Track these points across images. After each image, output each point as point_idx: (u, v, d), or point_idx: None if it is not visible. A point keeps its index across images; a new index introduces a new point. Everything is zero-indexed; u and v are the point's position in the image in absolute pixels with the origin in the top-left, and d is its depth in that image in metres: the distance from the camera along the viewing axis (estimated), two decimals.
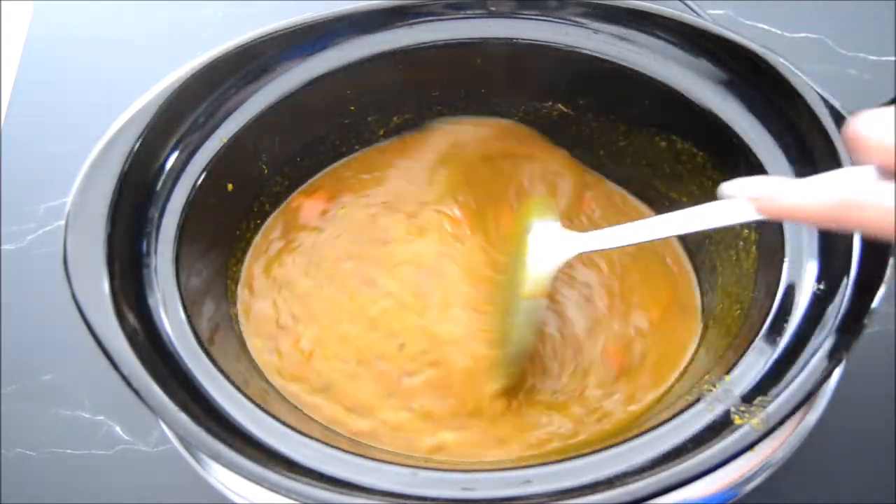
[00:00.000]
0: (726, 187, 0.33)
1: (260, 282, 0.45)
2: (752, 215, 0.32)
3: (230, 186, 0.43)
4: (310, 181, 0.48)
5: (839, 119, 0.37)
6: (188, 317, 0.36)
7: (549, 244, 0.40)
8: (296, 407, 0.40)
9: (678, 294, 0.45)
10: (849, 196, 0.28)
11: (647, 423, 0.34)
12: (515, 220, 0.45)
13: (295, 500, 0.31)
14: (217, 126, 0.41)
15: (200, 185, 0.40)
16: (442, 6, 0.43)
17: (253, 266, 0.45)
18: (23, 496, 0.46)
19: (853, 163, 0.28)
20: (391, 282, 0.44)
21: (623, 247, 0.40)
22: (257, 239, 0.46)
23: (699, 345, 0.43)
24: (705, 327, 0.44)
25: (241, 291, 0.44)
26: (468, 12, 0.43)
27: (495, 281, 0.44)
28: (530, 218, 0.42)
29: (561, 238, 0.40)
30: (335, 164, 0.48)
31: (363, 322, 0.43)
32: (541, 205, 0.43)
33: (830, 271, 0.35)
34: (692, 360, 0.42)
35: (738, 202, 0.32)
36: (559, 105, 0.47)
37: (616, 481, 0.31)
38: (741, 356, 0.35)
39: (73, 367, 0.49)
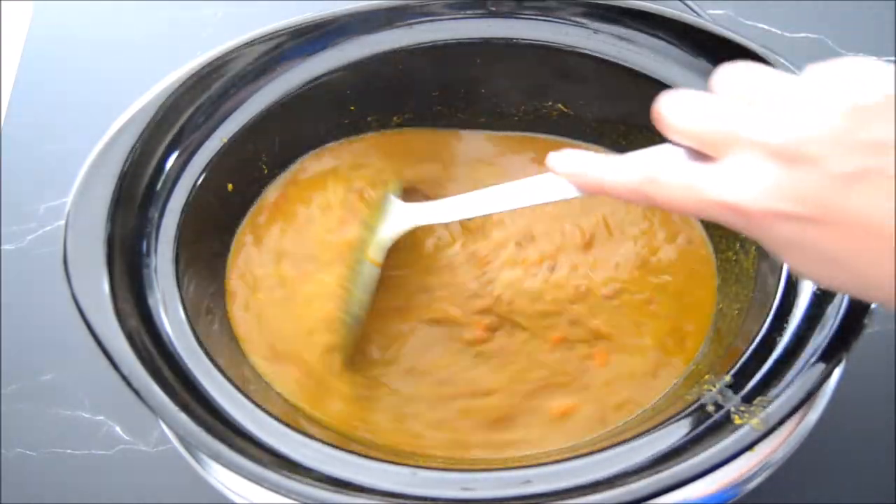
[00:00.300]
0: (551, 159, 0.33)
1: (244, 295, 0.43)
2: (572, 192, 0.33)
3: (230, 186, 0.43)
4: (268, 188, 0.46)
5: None
6: (188, 317, 0.36)
7: (393, 216, 0.43)
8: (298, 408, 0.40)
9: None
10: (651, 173, 0.29)
11: (647, 424, 0.34)
12: (376, 198, 0.45)
13: (295, 500, 0.31)
14: (217, 126, 0.41)
15: (200, 185, 0.40)
16: (442, 6, 0.43)
17: (232, 280, 0.43)
18: (23, 496, 0.46)
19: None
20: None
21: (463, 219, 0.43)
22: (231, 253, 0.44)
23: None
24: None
25: (232, 308, 0.42)
26: (468, 12, 0.43)
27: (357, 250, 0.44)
28: (386, 193, 0.44)
29: (402, 211, 0.43)
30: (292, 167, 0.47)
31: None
32: (394, 183, 0.45)
33: None
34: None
35: (560, 178, 0.33)
36: (559, 105, 0.47)
37: (616, 481, 0.31)
38: (741, 356, 0.35)
39: (73, 367, 0.49)
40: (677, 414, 0.34)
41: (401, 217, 0.43)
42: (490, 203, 0.39)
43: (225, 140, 0.41)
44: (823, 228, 0.25)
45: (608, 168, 0.31)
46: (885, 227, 0.24)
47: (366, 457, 0.33)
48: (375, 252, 0.42)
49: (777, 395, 0.33)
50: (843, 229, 0.25)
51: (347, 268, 0.42)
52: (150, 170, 0.39)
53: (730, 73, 0.28)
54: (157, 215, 0.38)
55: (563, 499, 0.31)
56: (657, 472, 0.31)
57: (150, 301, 0.36)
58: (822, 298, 0.35)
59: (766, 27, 0.61)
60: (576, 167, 0.32)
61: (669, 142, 0.30)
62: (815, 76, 0.26)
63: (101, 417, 0.48)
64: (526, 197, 0.36)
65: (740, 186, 0.26)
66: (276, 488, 0.31)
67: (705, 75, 0.41)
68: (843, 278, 0.26)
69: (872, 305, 0.34)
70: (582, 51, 0.43)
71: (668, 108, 0.29)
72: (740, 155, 0.27)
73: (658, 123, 0.29)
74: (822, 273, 0.27)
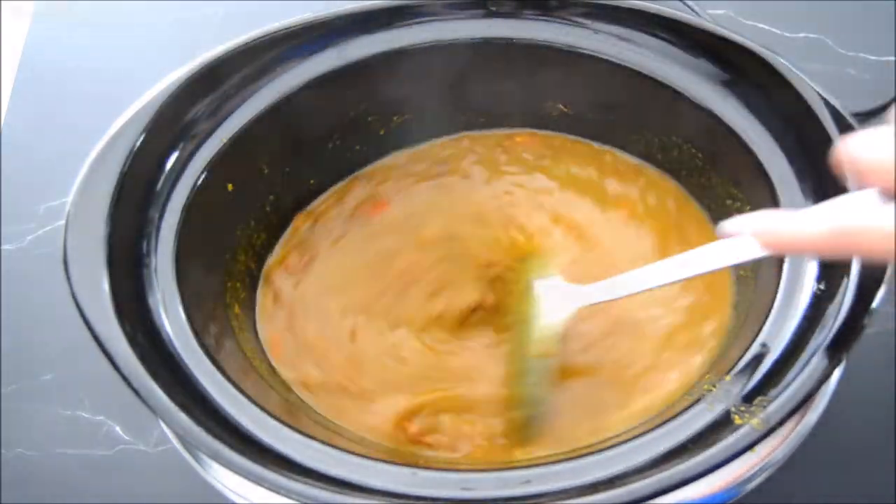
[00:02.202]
0: (727, 226, 0.32)
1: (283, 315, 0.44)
2: (757, 252, 0.31)
3: (230, 186, 0.43)
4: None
5: (839, 119, 0.37)
6: (188, 317, 0.36)
7: (554, 300, 0.40)
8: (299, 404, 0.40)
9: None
10: (848, 223, 0.27)
11: (648, 424, 0.34)
12: (517, 276, 0.44)
13: (295, 500, 0.31)
14: (217, 126, 0.41)
15: (200, 185, 0.40)
16: (442, 6, 0.43)
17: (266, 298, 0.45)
18: (23, 496, 0.46)
19: (853, 187, 0.28)
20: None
21: (632, 295, 0.38)
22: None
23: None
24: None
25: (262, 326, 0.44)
26: (468, 12, 0.43)
27: (506, 341, 0.43)
28: (532, 274, 0.42)
29: (566, 292, 0.40)
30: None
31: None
32: (541, 259, 0.43)
33: (830, 271, 0.35)
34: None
35: (742, 240, 0.32)
36: (559, 105, 0.47)
37: (616, 481, 0.31)
38: (741, 356, 0.35)
39: (73, 367, 0.49)
40: (677, 414, 0.34)
41: (568, 300, 0.40)
42: (670, 273, 0.36)
43: (225, 140, 0.41)
44: None
45: (800, 223, 0.29)
46: None
47: (366, 457, 0.33)
48: (545, 344, 0.40)
49: (777, 395, 0.33)
50: None
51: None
52: (150, 170, 0.39)
53: None
54: (157, 215, 0.38)
55: (563, 499, 0.31)
56: (657, 472, 0.31)
57: (150, 301, 0.36)
58: (822, 298, 0.35)
59: (766, 27, 0.61)
60: (766, 226, 0.30)
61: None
62: None
63: (101, 417, 0.48)
64: (709, 262, 0.34)
65: None
66: (276, 488, 0.31)
67: (705, 75, 0.41)
68: None
69: (872, 305, 0.34)
70: (582, 51, 0.43)
71: (867, 150, 0.27)
72: None
73: (851, 167, 0.27)
74: None
